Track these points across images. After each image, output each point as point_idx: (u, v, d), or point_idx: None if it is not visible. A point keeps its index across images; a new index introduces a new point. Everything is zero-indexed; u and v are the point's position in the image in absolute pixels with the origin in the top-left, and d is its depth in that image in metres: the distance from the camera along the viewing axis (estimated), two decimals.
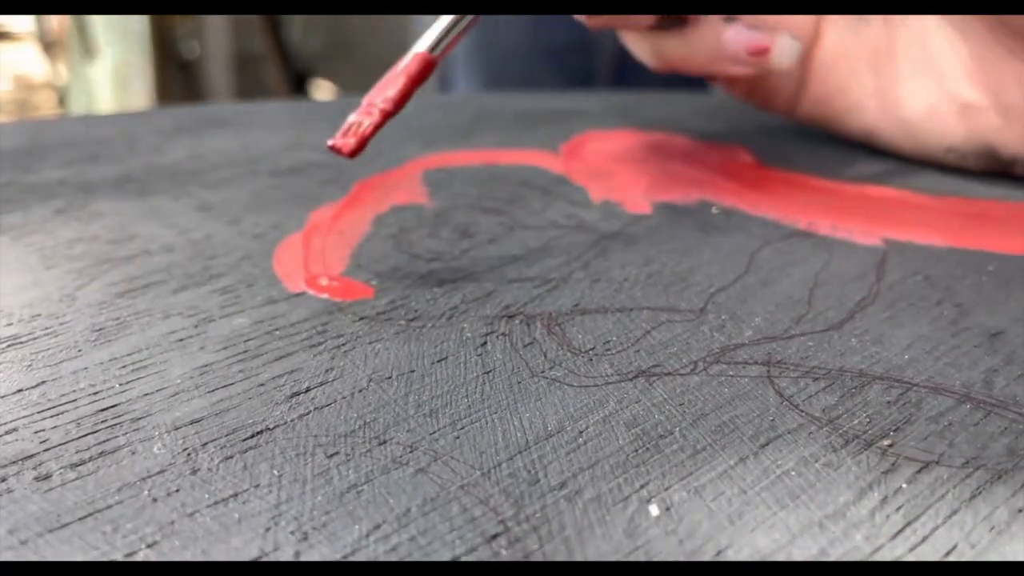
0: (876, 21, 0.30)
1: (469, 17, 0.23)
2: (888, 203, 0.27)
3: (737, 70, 0.28)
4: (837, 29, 0.30)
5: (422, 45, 0.22)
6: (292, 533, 0.13)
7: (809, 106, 0.32)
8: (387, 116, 0.21)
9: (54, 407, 0.16)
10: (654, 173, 0.30)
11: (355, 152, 0.21)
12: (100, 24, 1.64)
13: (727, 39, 0.27)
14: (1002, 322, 0.19)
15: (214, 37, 1.66)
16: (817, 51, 0.31)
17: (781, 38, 0.27)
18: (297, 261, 0.22)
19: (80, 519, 0.13)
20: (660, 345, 0.18)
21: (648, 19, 0.26)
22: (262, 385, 0.17)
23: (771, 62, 0.28)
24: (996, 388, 0.17)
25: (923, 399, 0.17)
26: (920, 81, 0.29)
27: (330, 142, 0.21)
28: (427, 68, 0.22)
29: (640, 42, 0.30)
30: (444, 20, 0.22)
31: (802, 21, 0.30)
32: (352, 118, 0.22)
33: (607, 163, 0.31)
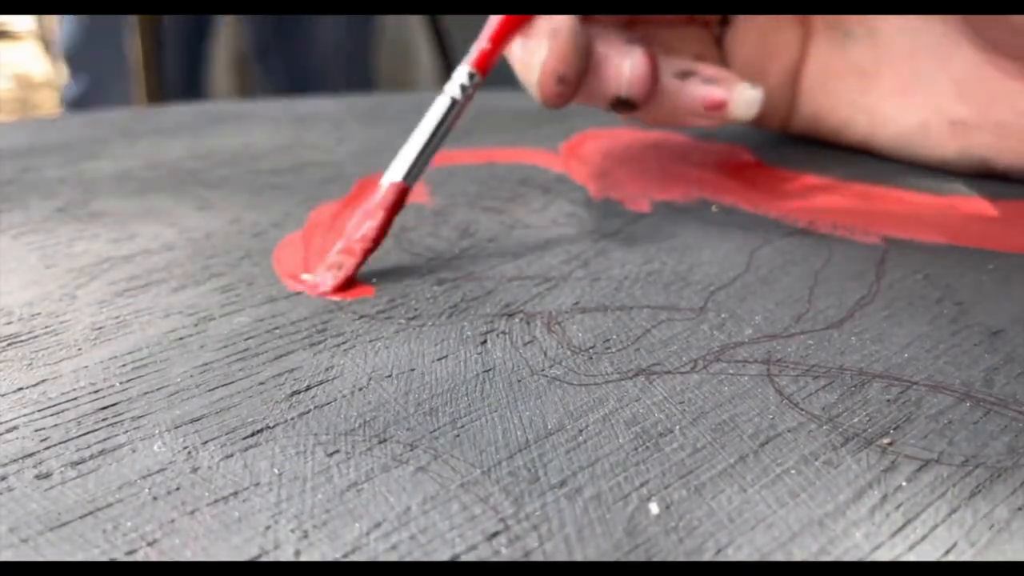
0: (862, 38, 0.30)
1: (437, 140, 0.23)
2: (888, 201, 0.27)
3: (698, 122, 0.27)
4: (822, 48, 0.30)
5: (396, 174, 0.22)
6: (292, 531, 0.13)
7: (801, 124, 0.32)
8: (368, 253, 0.22)
9: (54, 405, 0.16)
10: (654, 172, 0.30)
11: (336, 292, 0.21)
12: None
13: (684, 95, 0.26)
14: (1002, 320, 0.19)
15: (214, 37, 1.66)
16: (804, 70, 0.31)
17: (739, 90, 0.26)
18: (297, 260, 0.22)
19: (81, 517, 0.13)
20: (660, 343, 0.18)
21: (603, 103, 0.26)
22: (262, 383, 0.17)
23: (730, 114, 0.27)
24: (996, 386, 0.17)
25: (923, 397, 0.17)
26: (909, 99, 0.29)
27: (309, 278, 0.21)
28: (403, 196, 0.22)
29: None
30: (414, 147, 0.23)
31: (788, 40, 0.30)
32: (333, 257, 0.21)
33: (607, 162, 0.31)
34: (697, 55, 0.29)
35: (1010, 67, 0.27)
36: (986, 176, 0.29)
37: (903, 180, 0.29)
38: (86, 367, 0.17)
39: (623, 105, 0.25)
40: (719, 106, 0.26)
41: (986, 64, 0.27)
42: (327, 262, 0.21)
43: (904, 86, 0.29)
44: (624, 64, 0.25)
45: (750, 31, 0.30)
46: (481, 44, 0.24)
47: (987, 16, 0.26)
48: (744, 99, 0.26)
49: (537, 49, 0.24)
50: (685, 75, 0.26)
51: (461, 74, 0.23)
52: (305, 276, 0.21)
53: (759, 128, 0.34)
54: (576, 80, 0.24)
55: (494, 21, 0.24)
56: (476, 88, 0.24)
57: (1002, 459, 0.15)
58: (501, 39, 0.24)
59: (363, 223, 0.22)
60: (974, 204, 0.27)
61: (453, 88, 0.23)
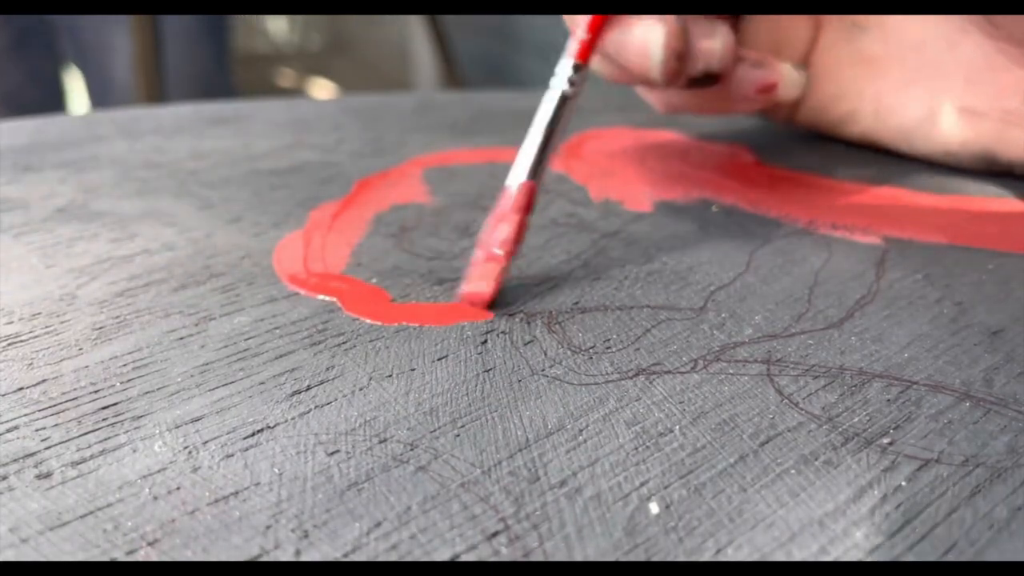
0: (872, 29, 0.30)
1: (555, 137, 0.23)
2: (888, 201, 0.27)
3: (745, 107, 0.29)
4: (831, 38, 0.30)
5: (521, 174, 0.22)
6: (293, 531, 0.13)
7: (807, 114, 0.32)
8: (511, 256, 0.21)
9: (55, 405, 0.16)
10: (654, 171, 0.30)
11: (491, 300, 0.20)
12: None
13: (736, 80, 0.27)
14: (1002, 320, 0.19)
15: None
16: (813, 61, 0.31)
17: (787, 71, 0.28)
18: (297, 260, 0.22)
19: (81, 517, 0.13)
20: (660, 343, 0.18)
21: (686, 81, 0.26)
22: (262, 383, 0.17)
23: (779, 96, 0.28)
24: (996, 386, 0.17)
25: (923, 397, 0.17)
26: (916, 89, 0.29)
27: (462, 292, 0.20)
28: (533, 195, 0.22)
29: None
30: (533, 146, 0.22)
31: (799, 31, 0.30)
32: (477, 269, 0.21)
33: (607, 161, 0.31)
34: None
35: (1020, 55, 0.27)
36: (989, 172, 0.29)
37: (903, 180, 0.29)
38: (86, 367, 0.17)
39: (707, 80, 0.26)
40: (770, 88, 0.28)
41: (996, 53, 0.27)
42: (470, 275, 0.20)
43: (912, 76, 0.29)
44: (716, 40, 0.26)
45: (763, 22, 0.30)
46: (580, 35, 0.24)
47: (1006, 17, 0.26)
48: (791, 80, 0.28)
49: (649, 31, 0.25)
50: (735, 61, 0.27)
51: (566, 68, 0.24)
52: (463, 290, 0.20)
53: (764, 120, 0.34)
54: (688, 56, 0.25)
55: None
56: (584, 80, 0.24)
57: (1002, 459, 0.15)
58: (599, 28, 0.25)
59: (497, 227, 0.21)
60: (974, 204, 0.27)
61: (561, 83, 0.23)
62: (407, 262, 0.22)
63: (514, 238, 0.21)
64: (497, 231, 0.21)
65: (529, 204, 0.22)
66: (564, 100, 0.23)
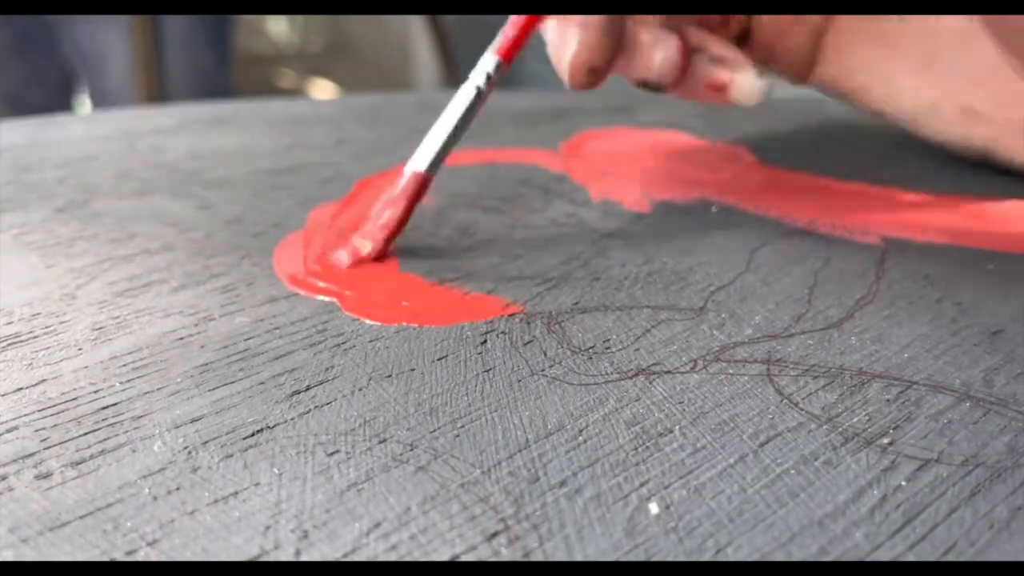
0: None
1: (460, 131, 0.23)
2: (888, 201, 0.27)
3: (702, 99, 0.28)
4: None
5: (420, 164, 0.23)
6: (292, 531, 0.13)
7: (818, 80, 0.32)
8: (388, 240, 0.22)
9: (55, 405, 0.16)
10: (653, 172, 0.30)
11: (352, 268, 0.22)
12: None
13: (691, 71, 0.27)
14: (1002, 320, 0.19)
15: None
16: (828, 33, 0.31)
17: (741, 75, 0.26)
18: (297, 260, 0.22)
19: (81, 517, 0.13)
20: (660, 343, 0.18)
21: (632, 82, 0.26)
22: (262, 383, 0.17)
23: (730, 97, 0.27)
24: (996, 386, 0.17)
25: (923, 397, 0.17)
26: (924, 77, 0.29)
27: (330, 258, 0.22)
28: (425, 185, 0.23)
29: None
30: (438, 137, 0.23)
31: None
32: (355, 240, 0.23)
33: (607, 162, 0.31)
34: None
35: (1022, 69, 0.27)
36: (987, 166, 0.29)
37: (903, 180, 0.29)
38: (86, 367, 0.17)
39: (651, 87, 0.26)
40: (720, 87, 0.27)
41: (1005, 64, 0.27)
42: (348, 245, 0.22)
43: (924, 63, 0.29)
44: (656, 53, 0.25)
45: None
46: (509, 33, 0.24)
47: (1007, 28, 0.26)
48: (746, 85, 0.26)
49: (569, 38, 0.24)
50: (693, 51, 0.26)
51: (488, 63, 0.23)
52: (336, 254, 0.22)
53: (773, 83, 0.33)
54: (607, 67, 0.25)
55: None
56: (500, 77, 0.24)
57: (1002, 459, 0.15)
58: (529, 29, 0.24)
59: (384, 211, 0.23)
60: (974, 203, 0.27)
61: (479, 77, 0.23)
62: (407, 262, 0.22)
63: (394, 225, 0.22)
64: (382, 214, 0.23)
65: (419, 194, 0.23)
66: (479, 95, 0.23)
